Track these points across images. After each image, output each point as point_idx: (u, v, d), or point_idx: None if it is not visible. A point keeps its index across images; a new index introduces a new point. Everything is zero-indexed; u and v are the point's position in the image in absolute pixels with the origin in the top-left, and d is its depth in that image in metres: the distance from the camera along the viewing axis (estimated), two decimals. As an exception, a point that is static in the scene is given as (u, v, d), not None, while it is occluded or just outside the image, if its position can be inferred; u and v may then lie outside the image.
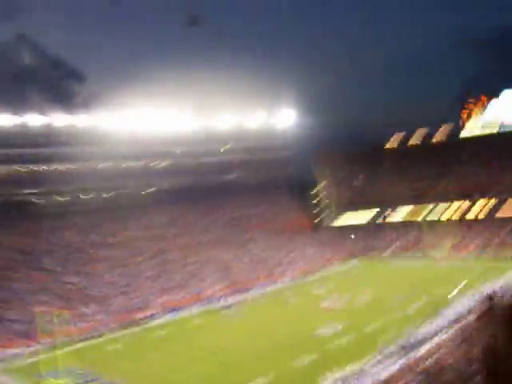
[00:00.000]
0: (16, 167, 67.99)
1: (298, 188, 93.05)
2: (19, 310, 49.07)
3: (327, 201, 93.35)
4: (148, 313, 52.22)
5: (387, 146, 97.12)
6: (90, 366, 37.30)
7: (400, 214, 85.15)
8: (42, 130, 67.76)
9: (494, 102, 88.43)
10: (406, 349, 31.77)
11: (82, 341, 44.88)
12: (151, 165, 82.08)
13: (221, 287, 60.83)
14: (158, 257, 66.99)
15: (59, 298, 52.62)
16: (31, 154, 67.16)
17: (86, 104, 78.02)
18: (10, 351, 41.90)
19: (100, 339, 45.55)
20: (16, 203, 66.25)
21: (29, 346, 42.69)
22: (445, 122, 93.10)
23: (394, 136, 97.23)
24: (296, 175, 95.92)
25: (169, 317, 51.84)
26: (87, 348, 42.94)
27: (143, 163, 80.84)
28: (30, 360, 40.38)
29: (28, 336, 44.38)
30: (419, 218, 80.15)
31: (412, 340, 33.17)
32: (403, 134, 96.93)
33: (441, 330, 34.29)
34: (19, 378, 36.21)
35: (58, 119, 69.37)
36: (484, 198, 76.42)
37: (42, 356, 37.92)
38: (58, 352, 36.99)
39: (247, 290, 60.30)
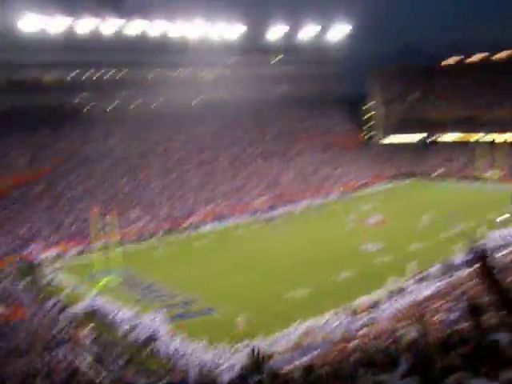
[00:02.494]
0: (66, 74, 68.49)
1: (349, 104, 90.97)
2: (73, 214, 51.14)
3: (378, 118, 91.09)
4: (194, 221, 53.48)
5: (443, 63, 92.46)
6: (136, 267, 39.03)
7: (450, 136, 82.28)
8: (92, 35, 67.48)
9: None
10: (447, 271, 31.75)
11: (129, 244, 46.78)
12: (201, 75, 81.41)
13: (267, 199, 61.39)
14: (206, 167, 67.72)
15: (109, 203, 54.33)
16: (79, 61, 67.30)
17: (137, 9, 76.04)
18: (65, 252, 44.15)
19: (146, 243, 47.23)
20: (67, 110, 67.24)
21: (82, 247, 44.83)
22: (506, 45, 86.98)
23: (451, 58, 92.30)
24: (347, 91, 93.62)
25: (214, 225, 52.99)
26: (134, 251, 44.64)
27: (192, 72, 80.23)
28: (82, 260, 42.60)
29: (81, 238, 46.47)
30: (472, 139, 77.18)
31: (454, 262, 32.97)
32: (461, 57, 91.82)
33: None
34: (74, 275, 38.16)
35: (109, 23, 68.76)
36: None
37: (93, 256, 39.62)
38: (108, 253, 38.51)
39: (293, 202, 60.72)
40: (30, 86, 64.75)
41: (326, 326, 25.95)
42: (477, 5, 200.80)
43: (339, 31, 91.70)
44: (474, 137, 77.43)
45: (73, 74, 68.71)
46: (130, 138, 68.39)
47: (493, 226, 41.24)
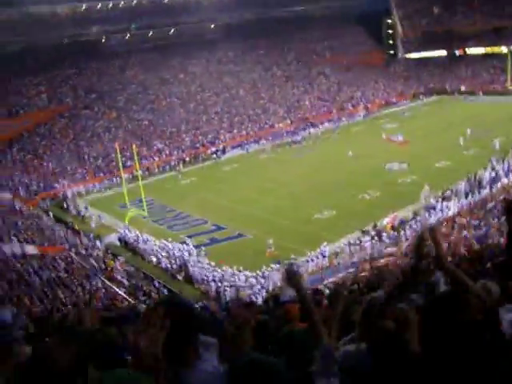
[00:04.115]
0: (80, 5, 67.18)
1: (370, 20, 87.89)
2: (97, 147, 51.58)
3: (401, 33, 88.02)
4: (219, 147, 53.53)
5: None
6: (163, 197, 39.60)
7: (478, 49, 79.33)
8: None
9: None
10: (474, 188, 31.51)
11: (156, 174, 47.33)
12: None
13: (291, 122, 60.97)
14: (227, 92, 67.11)
15: (133, 134, 54.59)
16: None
17: None
18: (92, 185, 44.86)
19: (174, 173, 47.64)
20: (83, 43, 66.45)
21: (109, 181, 45.46)
22: None
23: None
24: (368, 7, 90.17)
25: (239, 151, 53.06)
26: (160, 182, 45.17)
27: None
28: (110, 193, 43.34)
29: (107, 171, 47.07)
30: (502, 50, 74.17)
31: (481, 179, 32.63)
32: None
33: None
34: (103, 208, 38.88)
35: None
36: None
37: (120, 189, 40.18)
38: (135, 185, 38.98)
39: (318, 124, 60.17)
40: (42, 22, 63.77)
41: (353, 245, 26.28)
42: None
43: None
44: (501, 49, 74.54)
45: (85, 6, 67.32)
46: (148, 67, 67.79)
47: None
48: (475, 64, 76.30)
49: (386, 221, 28.53)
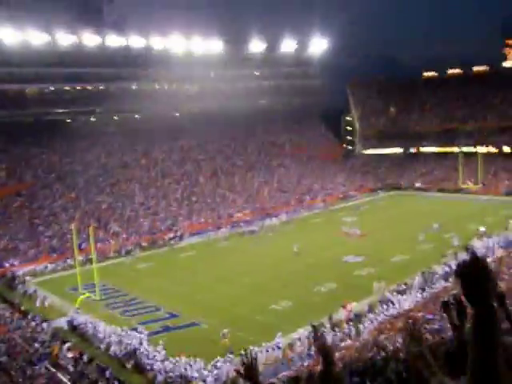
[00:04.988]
0: (48, 86, 68.27)
1: (330, 116, 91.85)
2: (53, 227, 50.66)
3: (358, 131, 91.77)
4: (177, 234, 53.26)
5: (423, 76, 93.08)
6: (117, 282, 38.73)
7: (432, 148, 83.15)
8: (72, 49, 67.25)
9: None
10: (428, 282, 31.97)
11: (112, 258, 46.46)
12: (183, 88, 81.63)
13: (249, 212, 61.44)
14: (187, 180, 67.62)
15: (91, 216, 53.96)
16: (61, 73, 67.04)
17: (115, 25, 76.21)
18: (44, 265, 43.63)
19: (129, 257, 46.88)
20: (48, 123, 66.88)
21: (62, 262, 44.33)
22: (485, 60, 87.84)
23: (430, 72, 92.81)
24: (328, 103, 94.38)
25: (197, 238, 52.75)
26: (115, 265, 44.39)
27: (175, 85, 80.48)
28: (60, 274, 42.16)
29: (61, 251, 46.03)
30: (454, 150, 77.80)
31: (435, 274, 33.21)
32: (439, 71, 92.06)
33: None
34: (54, 290, 37.73)
35: (88, 38, 68.63)
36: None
37: (71, 271, 39.24)
38: (87, 268, 38.15)
39: (276, 215, 60.69)
40: (10, 99, 64.24)
41: (308, 338, 25.87)
42: (453, 20, 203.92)
43: (318, 46, 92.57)
44: (453, 149, 78.22)
45: (53, 88, 68.46)
46: (111, 150, 68.23)
47: (473, 236, 41.64)
48: (429, 162, 79.63)
49: (343, 312, 28.40)
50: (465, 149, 75.39)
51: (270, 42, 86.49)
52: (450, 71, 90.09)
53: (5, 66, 61.48)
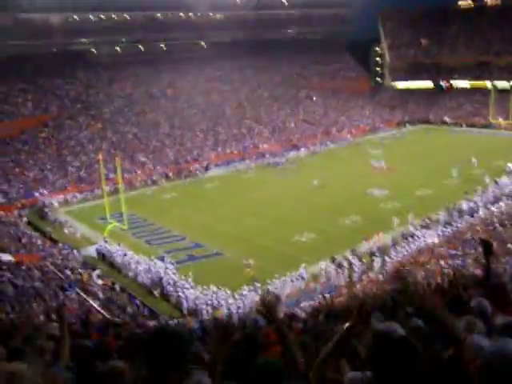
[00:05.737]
0: (71, 15, 67.42)
1: (360, 48, 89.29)
2: (80, 158, 51.25)
3: (389, 63, 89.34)
4: (202, 164, 53.48)
5: (458, 5, 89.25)
6: (143, 212, 39.37)
7: (462, 83, 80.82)
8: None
9: None
10: (453, 217, 31.93)
11: (138, 188, 47.03)
12: (209, 16, 79.96)
13: (276, 143, 61.18)
14: (213, 110, 67.24)
15: (117, 146, 54.35)
16: (86, 2, 66.06)
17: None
18: (73, 195, 44.44)
19: (155, 187, 47.43)
20: (74, 52, 66.51)
21: (89, 192, 45.03)
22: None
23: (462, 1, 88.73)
24: (357, 33, 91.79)
25: (222, 169, 52.99)
26: (141, 196, 44.91)
27: (200, 14, 78.81)
28: (88, 204, 42.97)
29: (89, 182, 46.72)
30: (486, 84, 75.68)
31: (460, 208, 33.12)
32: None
33: (491, 204, 33.71)
34: (82, 220, 38.64)
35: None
36: None
37: (99, 201, 39.92)
38: (114, 198, 38.71)
39: (302, 147, 60.42)
40: (33, 29, 63.76)
41: (332, 269, 26.26)
42: None
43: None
44: (485, 83, 75.99)
45: (77, 17, 67.59)
46: (136, 81, 67.88)
47: (502, 172, 41.17)
48: (460, 96, 77.57)
49: (366, 246, 28.67)
50: (498, 84, 73.15)
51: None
52: (487, 1, 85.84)
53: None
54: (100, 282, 26.39)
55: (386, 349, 2.60)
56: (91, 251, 31.65)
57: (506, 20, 78.95)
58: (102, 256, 30.55)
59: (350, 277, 25.47)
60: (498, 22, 79.94)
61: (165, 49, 75.16)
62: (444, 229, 29.97)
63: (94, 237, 34.15)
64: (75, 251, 30.91)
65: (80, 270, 27.19)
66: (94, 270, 27.85)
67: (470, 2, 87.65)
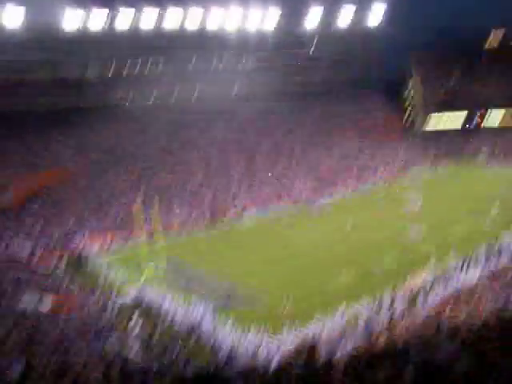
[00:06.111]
0: (105, 70, 69.69)
1: (388, 89, 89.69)
2: (118, 207, 52.03)
3: (418, 103, 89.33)
4: (236, 210, 53.74)
5: (487, 45, 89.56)
6: (181, 258, 39.58)
7: (494, 118, 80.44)
8: (127, 30, 68.17)
9: None
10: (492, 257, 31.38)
11: (173, 235, 47.10)
12: (238, 66, 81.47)
13: (309, 187, 61.21)
14: (246, 157, 67.73)
15: (152, 196, 54.99)
16: (118, 56, 68.41)
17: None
18: (111, 244, 45.01)
19: (190, 234, 47.68)
20: (105, 107, 68.37)
21: (127, 240, 45.50)
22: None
23: (493, 32, 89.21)
24: (386, 76, 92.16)
25: (256, 214, 52.92)
26: (178, 242, 45.03)
27: (230, 64, 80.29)
28: (128, 252, 43.33)
29: (126, 231, 47.20)
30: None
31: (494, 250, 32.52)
32: (503, 30, 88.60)
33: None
34: (120, 266, 38.92)
35: (144, 15, 69.04)
36: None
37: (138, 248, 40.31)
38: (153, 245, 39.07)
39: (335, 190, 60.39)
40: (69, 84, 66.19)
41: (369, 314, 25.91)
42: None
43: (376, 13, 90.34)
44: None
45: (112, 70, 69.72)
46: (169, 131, 68.95)
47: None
48: (490, 135, 76.77)
49: (403, 288, 28.29)
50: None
51: (325, 10, 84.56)
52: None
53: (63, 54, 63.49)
54: (138, 329, 26.49)
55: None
56: (128, 298, 31.85)
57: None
58: (140, 302, 30.74)
59: (391, 319, 25.07)
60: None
61: (196, 99, 76.56)
62: (484, 268, 29.44)
63: (132, 283, 34.39)
64: (114, 298, 31.14)
65: (118, 317, 27.38)
66: (132, 316, 27.97)
67: (495, 41, 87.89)
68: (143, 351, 23.39)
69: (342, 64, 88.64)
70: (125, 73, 70.69)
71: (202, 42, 74.29)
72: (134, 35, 68.18)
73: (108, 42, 66.36)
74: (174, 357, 23.31)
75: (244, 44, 77.26)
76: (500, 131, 77.22)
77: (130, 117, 68.88)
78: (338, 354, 20.03)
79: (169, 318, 27.68)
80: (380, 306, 26.29)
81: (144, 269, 36.18)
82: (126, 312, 29.38)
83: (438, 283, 28.40)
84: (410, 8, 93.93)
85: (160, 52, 71.45)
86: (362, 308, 26.36)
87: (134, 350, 23.02)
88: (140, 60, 70.94)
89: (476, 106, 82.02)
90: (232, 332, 24.91)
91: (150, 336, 26.09)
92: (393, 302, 26.49)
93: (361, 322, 25.26)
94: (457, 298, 24.97)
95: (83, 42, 64.16)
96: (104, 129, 65.38)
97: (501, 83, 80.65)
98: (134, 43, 68.29)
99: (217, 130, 71.89)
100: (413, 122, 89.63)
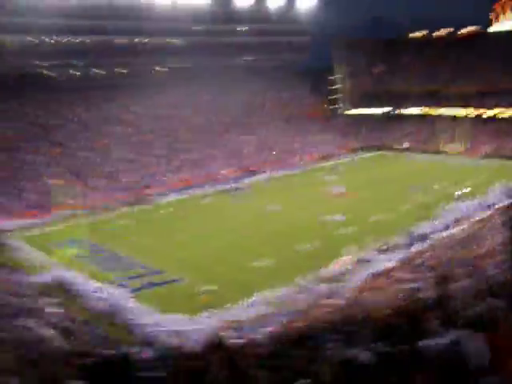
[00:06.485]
0: (29, 38, 66.56)
1: (314, 74, 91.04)
2: (33, 182, 50.17)
3: (343, 90, 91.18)
4: (158, 190, 53.13)
5: (409, 36, 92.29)
6: (99, 238, 38.74)
7: (415, 109, 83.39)
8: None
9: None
10: (409, 242, 32.47)
11: (92, 214, 46.16)
12: (166, 42, 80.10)
13: (231, 169, 61.32)
14: (169, 136, 67.07)
15: (71, 171, 53.51)
16: (44, 25, 65.28)
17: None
18: (26, 221, 43.33)
19: (110, 213, 46.69)
20: (30, 75, 65.55)
21: (42, 217, 44.05)
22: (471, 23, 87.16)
23: (417, 32, 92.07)
24: (313, 61, 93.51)
25: (178, 195, 52.72)
26: (97, 221, 44.08)
27: (157, 40, 78.84)
28: (43, 230, 41.94)
29: (42, 207, 45.69)
30: (436, 113, 78.38)
31: (412, 235, 33.68)
32: (427, 31, 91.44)
33: (444, 229, 34.52)
34: (33, 246, 37.64)
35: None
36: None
37: (54, 227, 39.12)
38: (70, 224, 38.05)
39: (258, 172, 60.79)
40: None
41: (289, 295, 26.24)
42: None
43: (305, 2, 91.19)
44: (437, 111, 78.61)
45: (36, 40, 66.73)
46: (93, 105, 67.23)
47: (453, 199, 42.15)
48: (412, 123, 79.65)
49: (323, 272, 28.78)
50: (448, 111, 75.70)
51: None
52: (436, 33, 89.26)
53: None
54: (56, 310, 25.66)
55: (349, 375, 2.62)
56: (46, 279, 30.80)
57: (453, 51, 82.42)
58: (58, 284, 29.79)
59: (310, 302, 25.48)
60: (446, 53, 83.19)
61: (122, 73, 74.77)
62: (400, 253, 30.42)
63: (49, 264, 33.29)
64: (30, 278, 30.03)
65: (36, 298, 26.42)
66: (49, 297, 27.08)
67: (420, 34, 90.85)
68: (61, 333, 22.68)
69: (269, 48, 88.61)
70: (48, 43, 67.75)
71: (130, 17, 72.23)
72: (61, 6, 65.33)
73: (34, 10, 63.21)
74: (91, 339, 22.80)
75: (173, 20, 75.62)
76: (421, 118, 80.00)
77: (51, 89, 66.35)
78: (253, 339, 20.19)
79: (88, 300, 26.95)
80: (300, 288, 26.66)
81: (61, 248, 35.09)
82: (44, 292, 28.42)
83: (358, 267, 29.08)
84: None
85: (87, 25, 68.77)
86: (283, 290, 26.62)
87: (51, 331, 22.26)
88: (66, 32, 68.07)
89: (394, 103, 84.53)
90: (151, 313, 24.59)
91: (68, 318, 25.37)
92: (313, 284, 26.90)
93: (280, 305, 25.55)
94: (374, 281, 25.67)
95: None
96: (25, 100, 62.73)
97: (419, 79, 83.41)
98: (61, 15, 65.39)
99: (140, 107, 70.62)
100: (336, 109, 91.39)
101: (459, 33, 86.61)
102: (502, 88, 70.65)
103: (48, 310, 25.02)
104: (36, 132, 59.10)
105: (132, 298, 26.72)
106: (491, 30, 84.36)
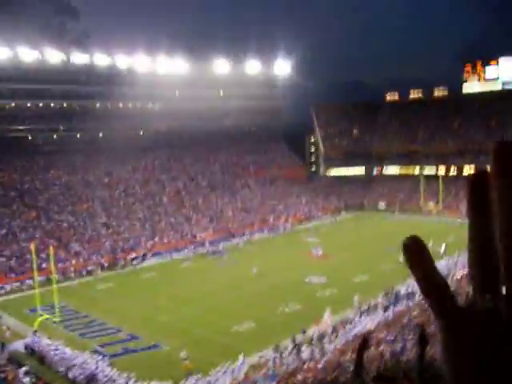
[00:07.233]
0: (9, 102, 67.16)
1: (294, 138, 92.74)
2: (12, 246, 49.46)
3: (322, 152, 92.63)
4: (139, 254, 52.62)
5: (385, 99, 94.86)
6: (77, 303, 37.98)
7: (393, 169, 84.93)
8: (34, 65, 66.43)
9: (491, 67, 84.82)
10: (391, 302, 32.29)
11: (72, 278, 45.52)
12: (148, 106, 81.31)
13: (213, 232, 61.16)
14: (151, 199, 67.04)
15: (51, 235, 52.91)
16: (23, 90, 66.09)
17: (78, 42, 75.81)
18: (1, 286, 42.43)
19: (90, 277, 46.07)
20: (9, 139, 65.70)
21: (21, 282, 43.21)
22: (444, 83, 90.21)
23: (392, 94, 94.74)
24: (291, 125, 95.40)
25: (159, 259, 52.24)
26: (75, 286, 43.56)
27: (140, 104, 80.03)
28: (21, 295, 41.05)
29: (20, 272, 44.89)
30: (415, 172, 79.88)
31: (393, 294, 33.54)
32: (401, 94, 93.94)
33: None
34: (11, 311, 36.73)
35: (51, 55, 68.08)
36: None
37: (32, 291, 38.27)
38: (48, 288, 37.30)
39: (239, 235, 60.61)
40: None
41: (270, 359, 25.73)
42: (415, 45, 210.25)
43: (283, 68, 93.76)
44: (414, 170, 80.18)
45: (15, 103, 67.37)
46: (73, 169, 67.23)
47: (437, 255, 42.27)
48: (391, 183, 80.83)
49: (306, 334, 28.37)
50: (426, 171, 77.20)
51: (234, 63, 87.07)
52: (412, 95, 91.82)
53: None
54: (27, 379, 24.80)
55: None
56: (19, 346, 29.92)
57: (428, 112, 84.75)
58: (31, 351, 28.92)
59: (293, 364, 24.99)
60: (422, 114, 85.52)
61: (103, 137, 75.29)
62: (383, 314, 30.18)
63: (23, 330, 32.40)
64: (3, 346, 29.12)
65: (5, 368, 25.55)
66: (21, 366, 26.20)
67: (396, 96, 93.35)
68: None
69: (248, 113, 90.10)
70: (28, 107, 68.40)
71: (111, 81, 73.56)
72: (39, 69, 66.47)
73: (12, 73, 64.10)
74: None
75: (152, 86, 76.98)
76: (399, 178, 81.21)
77: (31, 152, 66.46)
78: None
79: (62, 368, 26.12)
80: (282, 351, 26.18)
81: (38, 314, 34.24)
82: (16, 361, 27.54)
83: (339, 328, 28.73)
84: (314, 65, 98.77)
85: (68, 89, 69.79)
86: (266, 354, 26.13)
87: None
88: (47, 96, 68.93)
89: (373, 163, 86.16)
90: (130, 381, 23.85)
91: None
92: (295, 347, 26.45)
93: (263, 369, 25.02)
94: (355, 343, 25.29)
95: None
96: (4, 163, 62.59)
97: (396, 140, 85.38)
98: (39, 76, 66.44)
99: (122, 172, 70.81)
100: (316, 171, 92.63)
101: (435, 93, 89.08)
102: (480, 146, 72.25)
103: (20, 379, 24.23)
104: (14, 196, 58.59)
105: (109, 364, 25.92)
106: (464, 90, 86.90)
